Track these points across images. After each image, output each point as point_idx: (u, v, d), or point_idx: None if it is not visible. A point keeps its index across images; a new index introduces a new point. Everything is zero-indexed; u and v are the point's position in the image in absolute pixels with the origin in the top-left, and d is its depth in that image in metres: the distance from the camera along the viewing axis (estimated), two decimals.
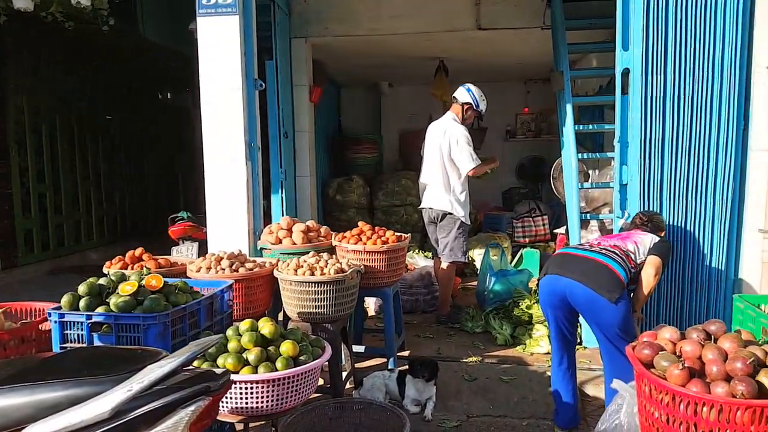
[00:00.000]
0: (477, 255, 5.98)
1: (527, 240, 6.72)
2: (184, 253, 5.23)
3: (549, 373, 3.29)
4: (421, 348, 4.23)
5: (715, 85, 3.33)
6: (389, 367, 3.84)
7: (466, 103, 4.62)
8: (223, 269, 3.47)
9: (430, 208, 4.68)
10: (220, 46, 3.98)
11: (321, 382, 3.83)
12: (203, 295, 2.73)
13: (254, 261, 3.74)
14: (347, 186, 7.41)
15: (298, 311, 3.41)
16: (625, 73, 3.46)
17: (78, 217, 8.01)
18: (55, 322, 2.33)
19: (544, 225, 6.84)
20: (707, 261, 3.51)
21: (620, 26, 3.41)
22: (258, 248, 4.05)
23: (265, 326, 2.29)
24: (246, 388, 2.26)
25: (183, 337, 2.46)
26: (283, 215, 5.43)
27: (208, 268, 3.49)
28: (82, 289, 2.39)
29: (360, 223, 4.06)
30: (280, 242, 3.92)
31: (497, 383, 3.60)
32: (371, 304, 5.03)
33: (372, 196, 7.61)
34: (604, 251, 2.79)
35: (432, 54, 6.45)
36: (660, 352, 1.91)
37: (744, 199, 3.47)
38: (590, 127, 4.65)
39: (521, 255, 5.73)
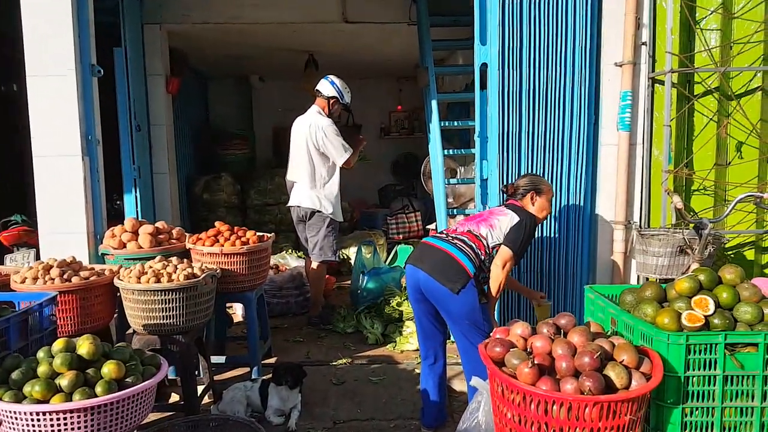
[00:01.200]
0: (353, 253, 5.86)
1: (401, 236, 6.75)
2: (19, 262, 4.53)
3: (419, 371, 3.23)
4: (289, 353, 4.02)
5: (567, 81, 3.45)
6: (253, 377, 3.58)
7: (332, 97, 4.48)
8: (53, 279, 3.01)
9: (298, 206, 4.48)
10: (47, 22, 3.46)
11: (176, 398, 3.49)
12: (16, 310, 2.30)
13: (92, 269, 3.29)
14: (216, 184, 6.96)
15: (143, 323, 3.05)
16: (484, 68, 3.49)
17: None
18: None
19: (417, 221, 6.91)
20: (564, 253, 3.64)
21: (478, 21, 3.43)
22: (100, 254, 3.58)
23: (84, 345, 1.95)
24: (58, 420, 1.90)
25: None
26: (138, 217, 4.94)
27: (35, 279, 3.01)
28: None
29: (217, 223, 3.75)
30: (124, 246, 3.50)
31: (366, 385, 3.48)
32: (238, 309, 4.71)
33: (244, 194, 7.22)
34: (453, 240, 2.74)
35: (301, 47, 6.23)
36: (511, 350, 1.87)
37: (596, 193, 3.64)
38: (454, 123, 4.72)
39: (396, 252, 5.71)
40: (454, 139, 5.74)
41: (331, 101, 4.48)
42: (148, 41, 5.20)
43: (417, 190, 8.57)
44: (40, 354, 1.96)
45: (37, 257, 4.78)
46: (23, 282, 3.00)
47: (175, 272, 3.12)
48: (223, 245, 3.53)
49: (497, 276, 2.70)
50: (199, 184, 6.91)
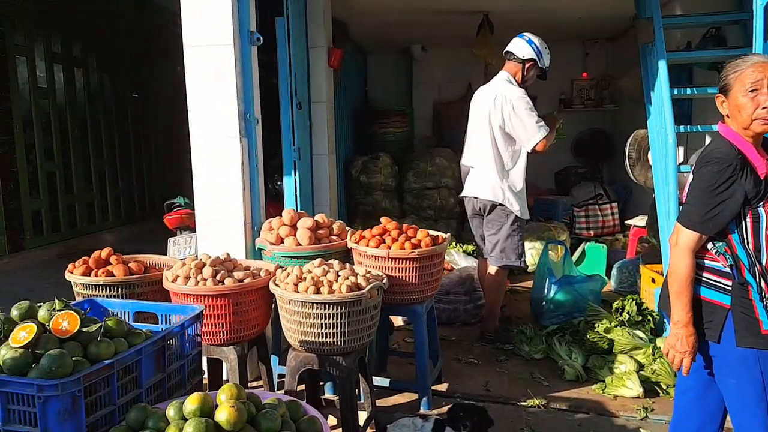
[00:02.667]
0: (527, 249, 4.99)
1: (592, 233, 5.60)
2: (181, 245, 4.42)
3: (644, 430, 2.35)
4: (462, 380, 3.33)
5: None
6: (422, 410, 2.98)
7: (529, 60, 3.59)
8: (205, 280, 2.63)
9: (475, 197, 3.71)
10: None
11: (333, 421, 3.02)
12: (151, 333, 1.86)
13: (248, 268, 2.88)
14: (373, 165, 6.47)
15: (300, 339, 2.57)
16: None
17: (91, 198, 7.43)
18: None
19: (613, 214, 5.69)
20: None
21: None
22: (257, 248, 3.18)
23: (224, 409, 1.41)
24: None
25: (110, 408, 1.60)
26: (296, 200, 4.58)
27: (187, 278, 2.66)
28: None
29: (383, 220, 3.15)
30: (282, 242, 3.05)
31: None
32: None
33: (401, 176, 6.65)
34: None
35: (474, 7, 5.40)
36: None
37: None
38: (690, 91, 3.56)
39: (583, 250, 4.74)
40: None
41: (527, 65, 3.60)
42: (311, 10, 4.75)
43: (603, 174, 7.35)
44: (170, 412, 1.46)
45: None
46: (175, 281, 2.67)
47: (336, 281, 2.57)
48: (390, 247, 2.92)
49: (671, 263, 1.80)
50: (357, 165, 6.48)
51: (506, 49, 3.69)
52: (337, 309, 2.48)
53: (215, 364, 2.91)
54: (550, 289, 3.83)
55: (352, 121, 6.94)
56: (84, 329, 1.59)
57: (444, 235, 3.13)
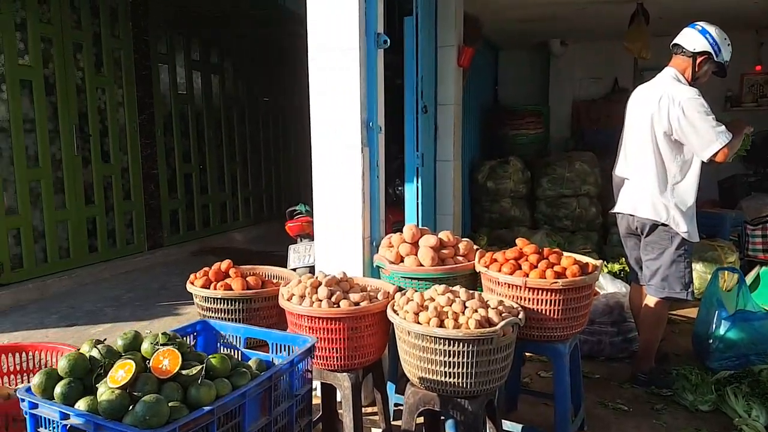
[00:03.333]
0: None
1: None
2: (301, 253, 4.37)
3: None
4: (611, 430, 2.83)
5: None
6: None
7: (702, 53, 2.99)
8: (320, 301, 2.44)
9: (632, 215, 3.17)
10: None
11: None
12: (263, 365, 1.69)
13: (365, 289, 2.67)
14: (502, 170, 6.02)
15: (419, 375, 2.29)
16: None
17: (224, 198, 7.85)
18: (27, 413, 1.46)
19: None
20: None
21: None
22: (375, 265, 2.96)
23: None
24: None
25: None
26: (418, 208, 4.32)
27: (302, 297, 2.50)
28: (63, 365, 1.48)
29: (519, 242, 2.76)
30: (402, 261, 2.79)
31: None
32: None
33: (534, 182, 6.13)
34: None
35: None
36: None
37: None
38: None
39: (758, 276, 3.97)
40: None
41: (699, 60, 3.00)
42: (442, 6, 4.46)
43: None
44: None
45: None
46: (290, 299, 2.52)
47: (463, 313, 2.26)
48: (527, 274, 2.53)
49: None
50: (483, 170, 6.07)
51: (674, 42, 3.09)
52: (463, 347, 2.16)
53: (330, 388, 2.74)
54: (719, 325, 3.18)
55: (480, 122, 6.54)
56: (184, 371, 1.44)
57: (595, 263, 2.66)
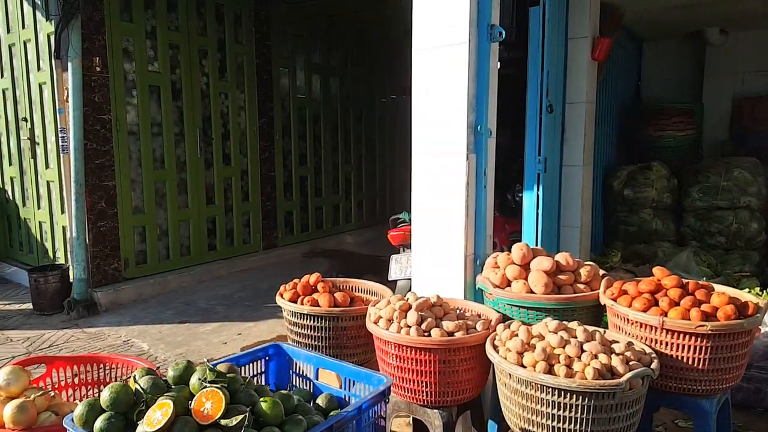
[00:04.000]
0: None
1: None
2: (402, 264, 4.11)
3: None
4: None
5: None
6: None
7: None
8: (409, 327, 2.16)
9: None
10: None
11: None
12: (317, 421, 1.44)
13: (462, 315, 2.35)
14: (643, 177, 5.27)
15: (522, 426, 1.92)
16: None
17: (337, 201, 7.88)
18: None
19: None
20: None
21: None
22: (477, 287, 2.60)
23: None
24: None
25: None
26: (537, 219, 3.86)
27: (389, 321, 2.24)
28: (105, 397, 1.34)
29: (657, 271, 2.24)
30: (509, 285, 2.40)
31: None
32: None
33: (681, 192, 5.30)
34: None
35: None
36: None
37: None
38: None
39: None
40: None
41: None
42: None
43: None
44: None
45: None
46: (377, 322, 2.26)
47: (579, 358, 1.84)
48: (665, 313, 2.03)
49: None
50: (620, 176, 5.36)
51: None
52: (577, 400, 1.76)
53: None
54: None
55: (617, 123, 5.81)
56: (223, 421, 1.22)
57: (758, 301, 2.08)
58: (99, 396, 1.38)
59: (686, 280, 2.18)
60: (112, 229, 5.01)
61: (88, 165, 4.76)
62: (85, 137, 4.72)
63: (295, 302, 2.54)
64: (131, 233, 5.20)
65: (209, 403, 1.27)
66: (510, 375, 1.90)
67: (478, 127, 2.60)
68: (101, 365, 2.33)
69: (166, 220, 5.55)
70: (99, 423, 1.30)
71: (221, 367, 1.53)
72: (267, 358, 1.88)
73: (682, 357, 2.00)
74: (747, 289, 3.38)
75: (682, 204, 5.28)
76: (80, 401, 2.37)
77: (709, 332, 1.94)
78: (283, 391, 1.58)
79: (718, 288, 2.17)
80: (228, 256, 6.13)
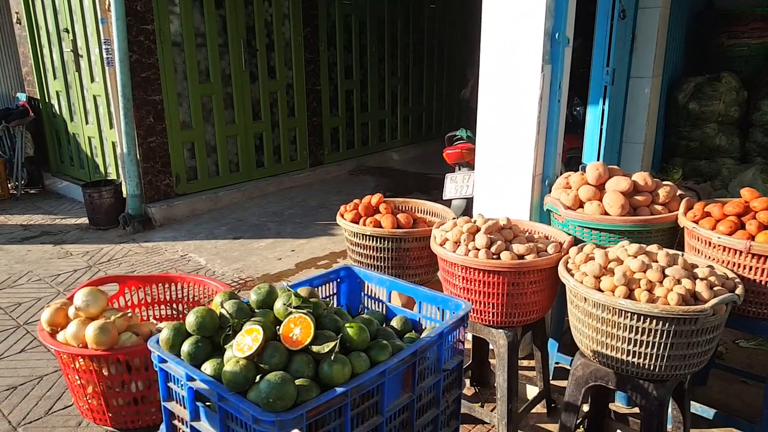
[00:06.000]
0: None
1: None
2: (459, 183, 4.02)
3: None
4: None
5: None
6: None
7: None
8: (477, 250, 2.12)
9: None
10: None
11: None
12: (401, 345, 1.44)
13: (531, 237, 2.29)
14: (711, 89, 4.92)
15: (594, 348, 1.92)
16: None
17: (383, 116, 7.69)
18: (157, 366, 1.39)
19: None
20: None
21: None
22: (545, 208, 2.52)
23: None
24: None
25: None
26: (600, 135, 3.69)
27: (456, 243, 2.20)
28: (191, 321, 1.35)
29: (746, 192, 2.12)
30: (581, 206, 2.32)
31: None
32: None
33: (750, 105, 4.95)
34: None
35: None
36: None
37: None
38: None
39: None
40: None
41: None
42: None
43: None
44: None
45: None
46: (443, 244, 2.23)
47: (661, 283, 1.79)
48: (753, 236, 1.93)
49: None
50: (687, 88, 5.00)
51: None
52: (658, 325, 1.73)
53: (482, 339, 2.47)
54: None
55: (687, 30, 5.35)
56: (315, 348, 1.22)
57: None
58: (183, 320, 1.39)
59: None
60: (162, 144, 5.04)
61: (134, 78, 4.71)
62: (130, 49, 4.63)
63: (357, 223, 2.52)
64: (180, 149, 5.22)
65: (298, 329, 1.27)
66: (585, 299, 1.87)
67: (556, 35, 2.41)
68: (173, 284, 2.38)
69: (214, 136, 5.54)
70: (187, 347, 1.33)
71: (301, 291, 1.53)
72: (339, 280, 1.88)
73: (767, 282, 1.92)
74: None
75: (750, 118, 4.95)
76: (155, 320, 2.45)
77: None
78: (363, 315, 1.58)
79: None
80: (276, 173, 6.15)
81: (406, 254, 2.48)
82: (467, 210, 4.02)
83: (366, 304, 1.89)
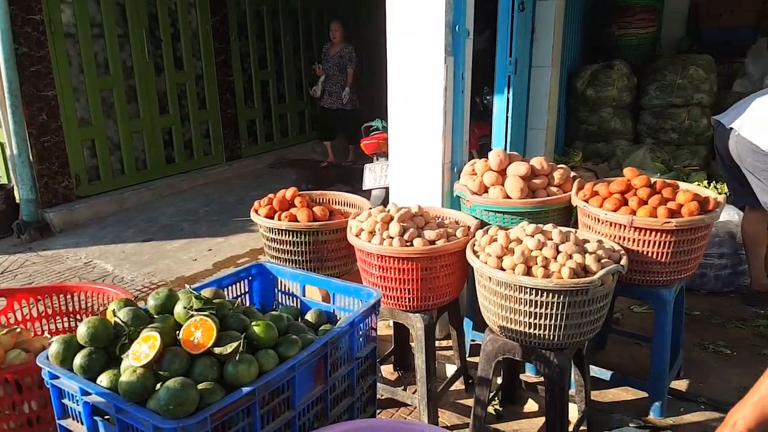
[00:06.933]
0: None
1: None
2: (377, 173, 4.08)
3: None
4: (710, 378, 2.52)
5: None
6: (651, 416, 2.32)
7: None
8: (391, 238, 2.18)
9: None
10: None
11: (534, 407, 2.51)
12: (311, 338, 1.46)
13: (442, 223, 2.38)
14: (605, 76, 5.27)
15: (500, 324, 2.04)
16: None
17: (302, 107, 7.57)
18: (48, 383, 1.33)
19: None
20: None
21: None
22: (455, 194, 2.62)
23: None
24: None
25: None
26: (507, 122, 3.85)
27: (371, 233, 2.25)
28: (82, 333, 1.30)
29: (627, 171, 2.32)
30: (486, 192, 2.44)
31: None
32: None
33: (640, 90, 5.35)
34: None
35: None
36: None
37: None
38: None
39: None
40: None
41: None
42: None
43: None
44: None
45: None
46: (359, 235, 2.27)
47: (555, 259, 1.92)
48: (635, 212, 2.12)
49: None
50: (584, 76, 5.33)
51: None
52: (553, 298, 1.86)
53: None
54: None
55: (583, 21, 5.69)
56: (217, 349, 1.22)
57: (717, 197, 2.20)
58: (74, 331, 1.33)
59: (654, 180, 2.26)
60: (58, 143, 4.72)
61: (23, 73, 4.37)
62: (15, 41, 4.29)
63: (272, 218, 2.50)
64: (80, 147, 4.91)
65: (199, 332, 1.25)
66: (490, 278, 1.97)
67: (456, 27, 2.49)
68: (68, 295, 2.24)
69: (117, 132, 5.25)
70: (79, 359, 1.26)
71: (205, 293, 1.51)
72: (250, 278, 1.87)
73: (648, 252, 2.11)
74: (697, 183, 3.56)
75: (640, 102, 5.35)
76: (50, 334, 2.30)
77: (674, 228, 2.04)
78: (273, 312, 1.58)
79: (683, 186, 2.27)
80: (189, 170, 5.93)
81: (324, 247, 2.49)
82: (387, 200, 4.09)
83: (280, 301, 1.89)
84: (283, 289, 1.87)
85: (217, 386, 1.18)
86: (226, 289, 1.74)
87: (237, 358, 1.20)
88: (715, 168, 4.85)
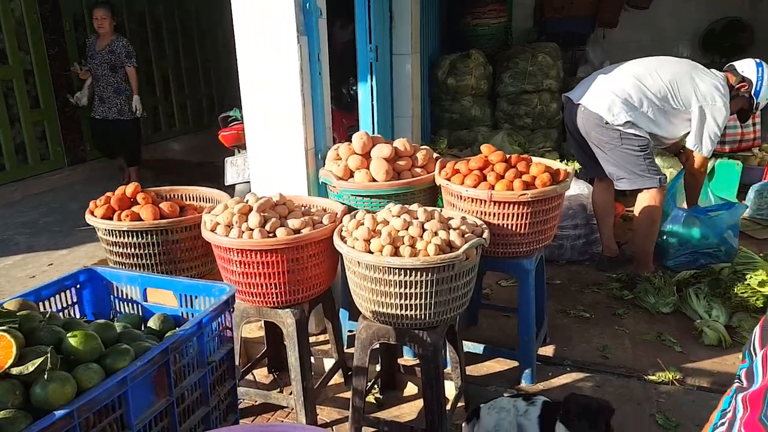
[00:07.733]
0: None
1: (727, 148, 4.52)
2: (240, 167, 3.85)
3: None
4: (573, 341, 2.67)
5: None
6: (523, 384, 2.40)
7: (744, 82, 3.08)
8: (251, 230, 2.01)
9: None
10: None
11: (413, 390, 2.49)
12: (149, 345, 1.27)
13: (308, 211, 2.26)
14: (463, 65, 5.46)
15: (372, 309, 1.97)
16: None
17: (155, 103, 6.97)
18: None
19: (754, 125, 4.55)
20: None
21: None
22: (320, 181, 2.51)
23: None
24: None
25: None
26: (372, 110, 3.83)
27: (229, 226, 2.06)
28: None
29: (484, 148, 2.36)
30: (352, 176, 2.35)
31: None
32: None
33: (495, 78, 5.62)
34: None
35: None
36: None
37: None
38: None
39: (713, 168, 3.88)
40: None
41: (741, 87, 3.11)
42: None
43: None
44: None
45: None
46: (214, 229, 2.08)
47: (421, 237, 1.88)
48: (493, 186, 2.15)
49: None
50: (443, 65, 5.49)
51: (733, 62, 3.19)
52: (421, 276, 1.83)
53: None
54: (673, 220, 3.06)
55: (440, 12, 5.85)
56: (15, 370, 0.99)
57: (566, 169, 2.31)
58: None
59: (509, 155, 2.32)
60: None
61: None
62: None
63: (111, 218, 2.22)
64: None
65: None
66: (359, 263, 1.90)
67: (308, 5, 2.37)
68: None
69: None
70: None
71: (8, 305, 1.26)
72: (78, 286, 1.61)
73: (508, 224, 2.17)
74: None
75: (497, 90, 5.63)
76: None
77: (529, 199, 2.11)
78: (100, 321, 1.36)
79: (536, 159, 2.36)
80: (22, 177, 5.20)
81: (176, 247, 2.25)
82: None
83: (119, 309, 1.65)
84: (120, 296, 1.63)
85: (21, 414, 0.96)
86: (47, 302, 1.48)
87: (45, 377, 0.99)
88: (566, 149, 5.24)
